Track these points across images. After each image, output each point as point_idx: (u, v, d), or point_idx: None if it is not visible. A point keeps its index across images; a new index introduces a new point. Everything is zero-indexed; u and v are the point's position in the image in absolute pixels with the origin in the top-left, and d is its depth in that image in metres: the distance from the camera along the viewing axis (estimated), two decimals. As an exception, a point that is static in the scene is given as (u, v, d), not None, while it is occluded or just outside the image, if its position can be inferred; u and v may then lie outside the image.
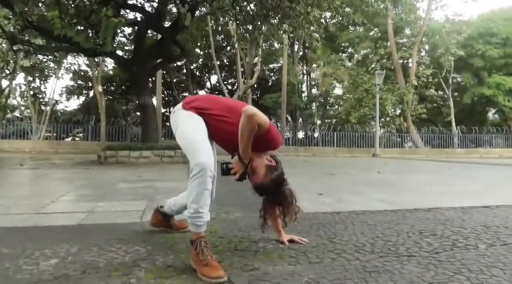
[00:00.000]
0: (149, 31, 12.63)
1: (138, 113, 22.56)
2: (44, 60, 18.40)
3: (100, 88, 21.80)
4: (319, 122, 25.14)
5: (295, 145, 20.07)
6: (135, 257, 1.92)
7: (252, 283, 1.60)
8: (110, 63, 24.42)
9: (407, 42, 25.07)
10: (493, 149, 21.45)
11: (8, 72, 18.97)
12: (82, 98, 28.05)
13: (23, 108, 23.71)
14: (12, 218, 2.86)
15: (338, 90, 29.07)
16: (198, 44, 24.68)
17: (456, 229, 2.51)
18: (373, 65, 25.29)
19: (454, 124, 23.21)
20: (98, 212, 3.14)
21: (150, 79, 13.25)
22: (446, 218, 2.85)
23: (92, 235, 2.38)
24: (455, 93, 26.19)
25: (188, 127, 1.98)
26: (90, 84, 25.38)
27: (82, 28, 9.11)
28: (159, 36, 12.72)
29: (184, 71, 28.18)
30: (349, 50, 28.55)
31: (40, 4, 9.64)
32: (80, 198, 3.94)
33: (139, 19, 11.99)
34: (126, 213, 3.13)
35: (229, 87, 28.83)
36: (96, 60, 20.73)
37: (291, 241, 2.18)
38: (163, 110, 25.83)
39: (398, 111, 22.48)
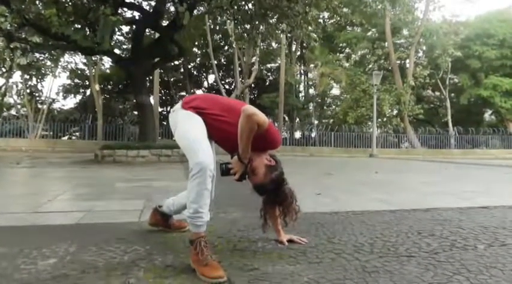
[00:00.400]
0: (147, 30, 12.59)
1: (135, 112, 22.53)
2: (41, 58, 18.27)
3: (97, 87, 21.69)
4: (316, 122, 25.15)
5: (292, 145, 20.06)
6: (134, 257, 1.91)
7: (252, 283, 1.59)
8: (107, 62, 24.32)
9: (405, 42, 25.12)
10: (490, 150, 21.54)
11: (4, 70, 18.83)
12: (79, 97, 27.89)
13: (19, 106, 23.52)
14: (9, 217, 2.85)
15: (335, 90, 29.12)
16: (196, 43, 24.65)
17: (454, 230, 2.52)
18: (370, 66, 25.31)
19: (450, 125, 23.28)
20: (96, 211, 3.13)
21: (147, 79, 13.22)
22: (445, 219, 2.86)
23: (90, 234, 2.37)
24: (452, 94, 26.27)
25: (188, 126, 1.97)
26: (87, 83, 25.23)
27: (79, 26, 9.06)
28: (157, 35, 12.70)
29: (182, 70, 28.13)
30: (347, 50, 28.56)
31: (37, 2, 9.60)
32: (78, 197, 3.92)
33: (137, 18, 11.94)
34: (124, 212, 3.12)
35: (227, 87, 28.79)
36: (94, 58, 20.64)
37: (290, 241, 2.18)
38: (160, 109, 25.81)
39: (395, 112, 22.55)
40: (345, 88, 25.44)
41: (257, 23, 11.23)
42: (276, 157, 2.11)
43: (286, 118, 26.05)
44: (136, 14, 11.96)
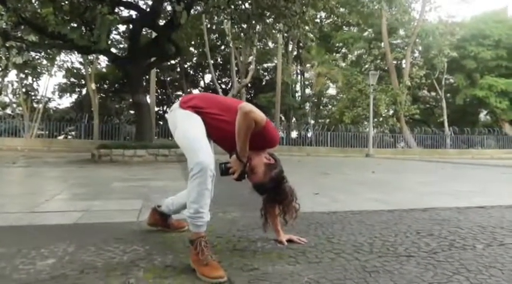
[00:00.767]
0: (144, 29, 12.55)
1: (132, 111, 22.48)
2: (37, 57, 18.18)
3: (93, 86, 21.63)
4: (312, 122, 25.19)
5: (289, 145, 20.08)
6: (133, 257, 1.90)
7: (252, 282, 1.59)
8: (103, 61, 24.25)
9: (401, 43, 25.23)
10: (485, 150, 21.66)
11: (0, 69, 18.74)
12: (75, 96, 27.81)
13: (14, 105, 23.43)
14: (6, 217, 2.83)
15: (332, 90, 29.18)
16: (192, 43, 24.61)
17: (453, 229, 2.53)
18: (367, 66, 25.38)
19: (446, 125, 23.39)
20: (94, 211, 3.12)
21: (144, 78, 13.17)
22: (443, 219, 2.87)
23: (88, 234, 2.36)
24: (448, 94, 26.40)
25: (187, 126, 1.96)
26: (83, 82, 25.17)
27: (76, 25, 9.02)
28: (154, 34, 12.66)
29: (178, 69, 28.07)
30: (343, 50, 28.62)
31: (34, 0, 9.54)
32: (75, 196, 3.90)
33: (134, 17, 11.90)
34: (122, 212, 3.11)
35: (223, 86, 28.77)
36: (90, 57, 20.56)
37: (289, 240, 2.17)
38: (156, 109, 25.74)
39: (391, 112, 22.62)
40: (341, 88, 25.49)
41: (254, 22, 11.22)
42: (274, 155, 2.10)
43: (283, 118, 26.06)
44: (133, 13, 11.91)
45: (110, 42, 9.99)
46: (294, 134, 23.80)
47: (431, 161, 13.61)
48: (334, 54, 27.89)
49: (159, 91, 27.68)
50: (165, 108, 29.77)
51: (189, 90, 28.34)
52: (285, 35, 13.98)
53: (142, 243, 2.16)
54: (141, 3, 13.07)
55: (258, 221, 2.64)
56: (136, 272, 1.70)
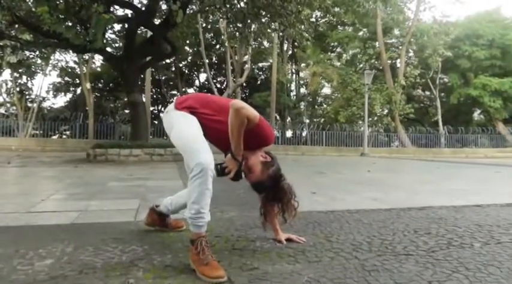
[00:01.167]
0: (139, 28, 12.51)
1: (127, 111, 22.39)
2: (31, 56, 18.07)
3: (88, 85, 21.52)
4: (307, 121, 25.23)
5: (284, 144, 20.08)
6: (132, 257, 1.90)
7: (253, 282, 1.59)
8: (98, 60, 24.15)
9: (396, 42, 25.32)
10: (479, 149, 21.79)
11: (-6, 68, 18.63)
12: (69, 95, 27.69)
13: (8, 104, 23.28)
14: (3, 217, 2.81)
15: (327, 90, 29.24)
16: (188, 42, 24.55)
17: (450, 228, 2.54)
18: (361, 65, 25.47)
19: (440, 124, 23.52)
20: (91, 211, 3.10)
21: (139, 77, 13.12)
22: (440, 217, 2.89)
23: (86, 234, 2.35)
24: (442, 94, 26.55)
25: (184, 127, 1.94)
26: (78, 81, 25.05)
27: (71, 24, 8.96)
28: (149, 33, 12.62)
29: (173, 68, 28.01)
30: (338, 49, 28.68)
31: (28, -1, 9.47)
32: (71, 196, 3.88)
33: (129, 16, 11.86)
34: (119, 211, 3.10)
35: (218, 86, 28.73)
36: (85, 56, 20.46)
37: (288, 240, 2.17)
38: (151, 108, 25.67)
39: (386, 111, 22.70)
40: (336, 88, 25.56)
41: (249, 21, 11.21)
42: (271, 153, 2.09)
43: (278, 117, 26.07)
44: (129, 12, 11.85)
45: (105, 41, 9.91)
46: (289, 133, 23.81)
47: (426, 160, 13.69)
48: (329, 53, 27.94)
49: (154, 90, 27.61)
50: (160, 108, 29.70)
51: (184, 89, 28.29)
52: (281, 34, 13.96)
53: (141, 243, 2.15)
54: (136, 2, 13.01)
55: (256, 221, 2.64)
56: (135, 272, 1.69)
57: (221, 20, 16.04)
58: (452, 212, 3.11)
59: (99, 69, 25.95)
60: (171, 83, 29.51)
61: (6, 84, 21.67)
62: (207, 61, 22.76)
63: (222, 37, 19.60)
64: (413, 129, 22.98)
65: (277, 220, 2.20)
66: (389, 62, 23.91)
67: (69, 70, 25.10)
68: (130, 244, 2.12)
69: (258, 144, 2.01)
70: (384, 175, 7.38)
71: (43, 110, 23.58)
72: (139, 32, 14.18)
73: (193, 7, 12.87)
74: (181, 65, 28.50)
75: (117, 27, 20.44)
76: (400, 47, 23.64)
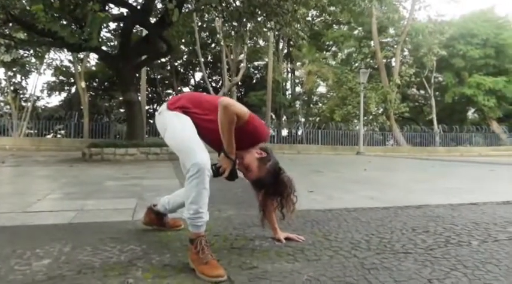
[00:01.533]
0: (135, 27, 12.45)
1: (122, 110, 22.32)
2: (25, 55, 17.94)
3: (83, 84, 21.42)
4: (303, 120, 25.25)
5: (279, 143, 20.10)
6: (130, 257, 1.89)
7: (253, 281, 1.59)
8: (92, 59, 24.04)
9: (391, 41, 25.39)
10: (473, 147, 21.90)
11: (-13, 67, 18.48)
12: (64, 94, 27.55)
13: (2, 104, 23.13)
14: (-2, 217, 2.78)
15: (322, 88, 29.27)
16: (183, 41, 24.49)
17: (448, 226, 2.55)
18: (357, 64, 25.50)
19: (435, 123, 23.65)
20: (88, 210, 3.09)
21: (135, 76, 13.07)
22: (437, 215, 2.90)
23: (83, 234, 2.33)
24: (437, 93, 26.67)
25: (178, 127, 1.92)
26: (72, 80, 24.92)
27: (66, 22, 8.90)
28: (144, 32, 12.57)
29: (169, 67, 27.93)
30: (333, 48, 28.72)
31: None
32: (67, 196, 3.86)
33: (125, 14, 11.79)
34: (116, 211, 3.08)
35: (214, 85, 28.69)
36: (81, 55, 20.35)
37: (287, 238, 2.17)
38: (147, 107, 25.58)
39: (381, 110, 22.78)
40: (331, 87, 25.58)
41: (245, 20, 11.20)
42: (267, 148, 2.06)
43: (273, 116, 26.08)
44: (125, 11, 11.79)
45: (100, 39, 9.85)
46: (284, 132, 23.84)
47: (421, 159, 13.75)
48: (325, 52, 27.97)
49: (149, 89, 27.53)
50: (155, 106, 29.61)
51: (179, 88, 28.23)
52: (276, 33, 13.94)
53: (139, 242, 2.14)
54: (131, 1, 12.89)
55: (254, 219, 2.65)
56: (134, 272, 1.69)
57: (217, 19, 16.00)
58: (449, 210, 3.13)
59: (94, 68, 25.83)
60: (167, 82, 29.43)
61: (0, 83, 21.54)
62: (202, 60, 22.70)
63: (218, 36, 19.58)
64: (408, 128, 23.07)
65: (275, 219, 2.20)
66: (384, 60, 23.99)
67: (64, 69, 24.97)
68: (129, 244, 2.11)
69: (252, 142, 1.99)
70: (380, 173, 7.40)
71: (37, 109, 23.46)
72: (134, 30, 14.13)
73: (189, 6, 12.82)
74: (176, 64, 28.43)
75: (113, 25, 20.34)
76: (395, 46, 23.71)
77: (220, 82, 26.65)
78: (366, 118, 21.72)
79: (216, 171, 1.91)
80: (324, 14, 20.99)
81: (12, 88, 20.90)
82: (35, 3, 7.10)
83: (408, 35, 23.16)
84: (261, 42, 24.58)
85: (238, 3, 11.05)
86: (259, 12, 10.65)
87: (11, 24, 9.67)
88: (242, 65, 22.27)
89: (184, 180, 1.83)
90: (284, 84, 27.24)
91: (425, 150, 20.42)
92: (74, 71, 23.08)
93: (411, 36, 23.49)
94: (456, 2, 36.15)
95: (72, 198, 3.71)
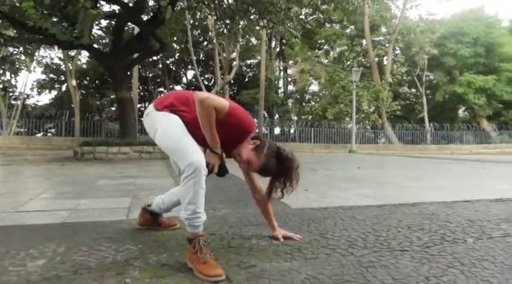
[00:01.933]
0: (127, 25, 12.35)
1: (113, 108, 22.14)
2: (15, 52, 17.72)
3: (74, 82, 21.20)
4: (295, 118, 25.27)
5: (272, 141, 20.08)
6: (127, 256, 1.87)
7: (251, 280, 1.58)
8: (83, 57, 23.79)
9: (383, 40, 25.48)
10: (464, 145, 22.13)
11: (-24, 64, 18.23)
12: (54, 92, 27.23)
13: (-9, 102, 22.80)
14: (-10, 217, 2.74)
15: (314, 87, 29.30)
16: (175, 39, 24.34)
17: (442, 224, 2.57)
18: (349, 62, 25.55)
19: (426, 121, 23.82)
20: (82, 210, 3.06)
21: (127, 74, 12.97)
22: (432, 213, 2.91)
23: (78, 233, 2.31)
24: (428, 91, 26.86)
25: (169, 127, 1.87)
26: (63, 78, 24.65)
27: (57, 19, 8.79)
28: (137, 30, 12.47)
29: (161, 65, 27.74)
30: (326, 47, 28.74)
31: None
32: (60, 195, 3.82)
33: (117, 11, 11.69)
34: (110, 210, 3.05)
35: (206, 83, 28.55)
36: (72, 53, 20.13)
37: (284, 237, 2.16)
38: (139, 105, 25.38)
39: (373, 108, 22.88)
40: (324, 85, 25.61)
41: (238, 18, 11.16)
42: (258, 135, 2.02)
43: (266, 114, 26.06)
44: (117, 8, 11.69)
45: (92, 37, 9.75)
46: (277, 130, 23.84)
47: (413, 157, 13.84)
48: (317, 50, 27.98)
49: (141, 87, 27.32)
50: (147, 105, 29.25)
51: (171, 86, 28.06)
52: (269, 31, 13.92)
53: (135, 242, 2.12)
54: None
55: (249, 218, 2.65)
56: (131, 271, 1.67)
57: (209, 16, 15.93)
58: (443, 208, 3.15)
59: (85, 65, 25.56)
60: (159, 80, 29.23)
61: (-11, 81, 21.25)
62: (195, 58, 22.55)
63: (210, 34, 19.46)
64: (399, 126, 23.22)
65: (273, 217, 2.21)
66: (376, 59, 24.06)
67: (54, 67, 24.69)
68: (124, 243, 2.09)
69: (241, 135, 1.94)
70: (373, 171, 7.44)
71: (27, 108, 23.17)
72: (126, 28, 14.02)
73: (181, 4, 12.74)
74: (168, 62, 28.25)
75: (104, 23, 20.17)
76: (387, 45, 23.80)
77: (213, 80, 26.53)
78: (357, 116, 21.81)
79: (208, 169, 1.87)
80: (316, 12, 21.00)
81: (1, 86, 20.62)
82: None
83: (400, 34, 23.26)
84: (254, 40, 24.54)
85: (231, 1, 11.00)
86: (252, 10, 10.63)
87: (0, 21, 9.53)
88: (235, 63, 22.16)
89: (180, 181, 1.79)
90: (277, 82, 27.21)
91: (417, 148, 20.57)
92: (64, 69, 22.83)
93: (403, 35, 23.59)
94: (447, 1, 36.44)
95: (65, 197, 3.67)
